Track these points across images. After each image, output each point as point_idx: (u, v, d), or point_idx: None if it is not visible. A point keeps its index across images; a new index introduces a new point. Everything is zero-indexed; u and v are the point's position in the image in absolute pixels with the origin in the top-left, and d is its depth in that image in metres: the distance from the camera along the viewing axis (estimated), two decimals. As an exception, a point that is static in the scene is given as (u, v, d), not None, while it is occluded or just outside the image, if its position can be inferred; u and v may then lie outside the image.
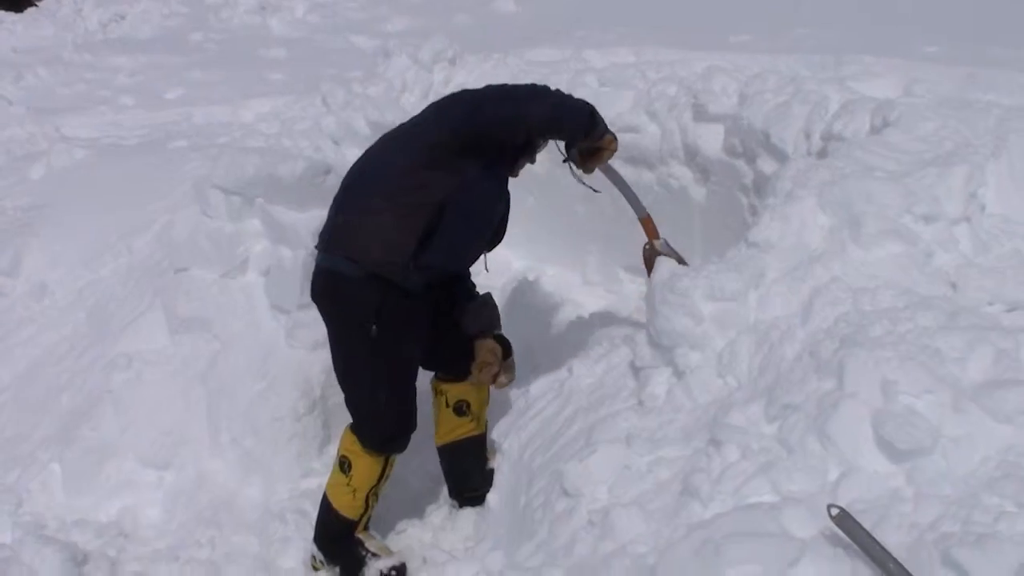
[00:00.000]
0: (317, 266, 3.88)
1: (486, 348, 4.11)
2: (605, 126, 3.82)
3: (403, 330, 3.82)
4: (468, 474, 4.37)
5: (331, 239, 3.79)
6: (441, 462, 4.44)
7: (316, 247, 3.92)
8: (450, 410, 4.26)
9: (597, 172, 4.08)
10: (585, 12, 10.13)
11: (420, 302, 3.82)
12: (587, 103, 3.76)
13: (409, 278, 3.70)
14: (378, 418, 3.94)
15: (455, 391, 4.25)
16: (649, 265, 4.23)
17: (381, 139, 3.95)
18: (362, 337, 3.74)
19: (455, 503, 4.45)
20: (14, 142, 7.74)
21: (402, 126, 3.95)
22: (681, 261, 4.12)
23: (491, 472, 4.18)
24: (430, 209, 3.63)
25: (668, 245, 4.30)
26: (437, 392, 4.31)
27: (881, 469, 2.54)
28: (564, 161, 3.91)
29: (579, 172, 3.98)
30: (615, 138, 3.90)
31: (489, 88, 3.77)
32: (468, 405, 4.27)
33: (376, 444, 3.97)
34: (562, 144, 3.84)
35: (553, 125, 3.69)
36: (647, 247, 4.33)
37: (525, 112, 3.59)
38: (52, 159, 6.92)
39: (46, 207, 6.00)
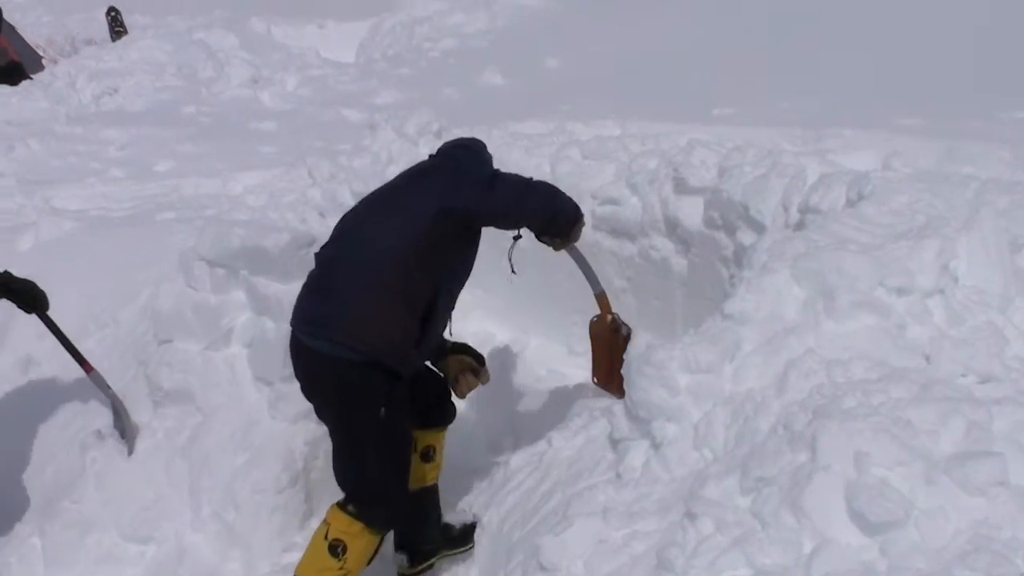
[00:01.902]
0: (307, 348, 3.80)
1: (454, 361, 4.20)
2: (581, 217, 4.03)
3: (406, 408, 3.89)
4: (427, 525, 4.33)
5: (326, 323, 3.73)
6: None
7: (299, 328, 3.84)
8: (418, 456, 4.24)
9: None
10: (573, 85, 10.28)
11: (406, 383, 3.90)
12: (571, 201, 3.95)
13: (413, 363, 3.83)
14: (387, 497, 3.93)
15: (424, 438, 4.25)
16: (595, 338, 4.55)
17: (360, 209, 3.96)
18: (370, 419, 3.76)
19: (404, 560, 4.37)
20: (4, 214, 7.74)
21: (382, 194, 3.94)
22: (629, 333, 4.47)
23: (447, 527, 4.30)
24: (429, 295, 3.74)
25: (619, 320, 4.53)
26: None
27: (854, 542, 2.54)
28: (515, 238, 4.09)
29: (513, 248, 4.17)
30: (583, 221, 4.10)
31: (479, 170, 3.82)
32: (434, 450, 4.30)
33: (384, 523, 3.96)
34: None
35: (547, 227, 3.92)
36: (595, 319, 4.57)
37: (525, 213, 3.81)
38: (41, 231, 6.93)
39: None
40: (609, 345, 4.48)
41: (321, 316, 3.76)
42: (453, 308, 4.03)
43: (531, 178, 3.96)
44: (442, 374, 4.24)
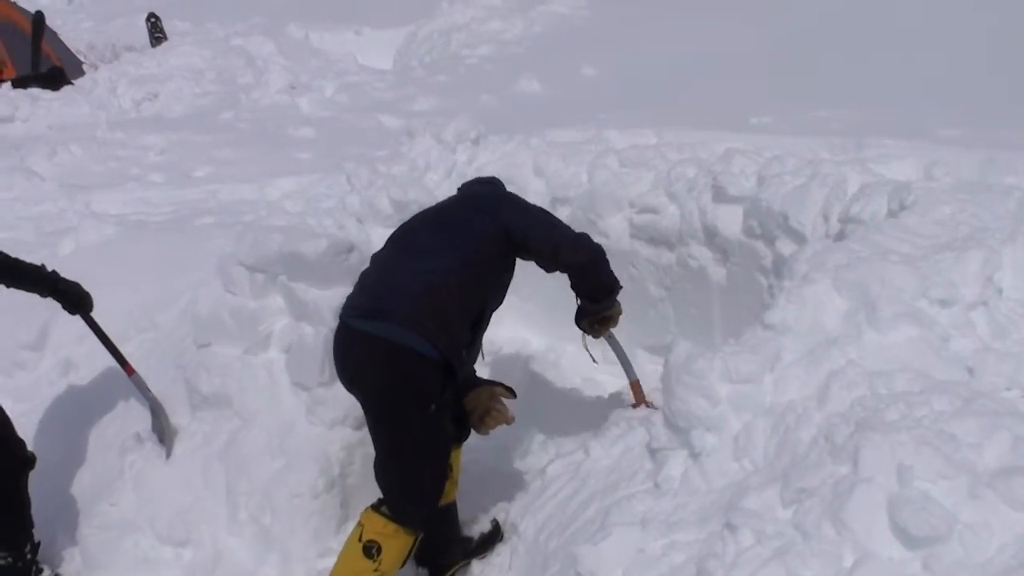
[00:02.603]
0: (363, 335, 3.81)
1: (485, 391, 4.23)
2: (616, 297, 4.23)
3: (449, 409, 3.96)
4: (447, 540, 4.38)
5: (390, 309, 3.75)
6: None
7: (356, 314, 3.87)
8: None
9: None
10: (609, 93, 10.26)
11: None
12: (614, 278, 4.17)
13: (463, 364, 3.90)
14: (426, 495, 3.94)
15: None
16: None
17: (415, 223, 4.16)
18: (419, 415, 3.78)
19: (424, 573, 4.44)
20: (45, 218, 7.84)
21: (436, 211, 4.20)
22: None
23: (467, 540, 4.39)
24: (479, 306, 3.91)
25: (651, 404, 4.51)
26: None
27: (896, 556, 2.52)
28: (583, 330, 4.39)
29: (587, 339, 4.48)
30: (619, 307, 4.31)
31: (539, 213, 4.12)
32: (451, 469, 4.27)
33: (421, 522, 3.96)
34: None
35: (580, 276, 4.09)
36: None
37: (575, 259, 4.02)
38: (81, 235, 7.01)
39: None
40: None
41: (383, 304, 3.79)
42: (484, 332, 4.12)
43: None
44: (469, 407, 4.27)
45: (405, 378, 3.76)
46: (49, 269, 4.78)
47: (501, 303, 4.17)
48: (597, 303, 4.21)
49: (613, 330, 4.44)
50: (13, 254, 4.63)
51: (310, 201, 6.85)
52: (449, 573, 4.43)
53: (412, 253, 3.93)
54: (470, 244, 3.88)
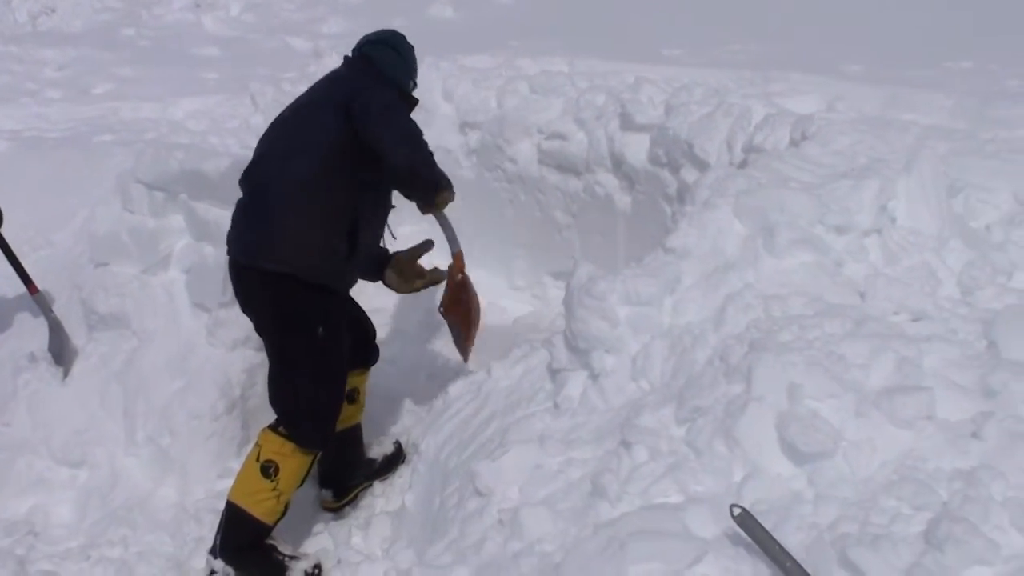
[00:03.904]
0: (245, 270, 3.86)
1: (399, 268, 4.27)
2: (446, 189, 3.90)
3: (341, 329, 3.93)
4: (352, 463, 4.42)
5: (256, 250, 3.80)
6: (326, 452, 4.23)
7: (234, 251, 3.89)
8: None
9: None
10: (522, 22, 10.19)
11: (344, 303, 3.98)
12: (441, 177, 3.84)
13: (346, 282, 3.89)
14: (321, 415, 3.95)
15: (349, 381, 4.24)
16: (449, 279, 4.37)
17: (276, 127, 3.97)
18: (307, 338, 3.81)
19: (329, 495, 4.43)
20: (-66, 132, 7.56)
21: (294, 111, 3.97)
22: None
23: (371, 462, 4.44)
24: (350, 208, 3.77)
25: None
26: None
27: (784, 471, 2.60)
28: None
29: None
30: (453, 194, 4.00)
31: (389, 111, 3.73)
32: (358, 393, 4.35)
33: (318, 442, 3.97)
34: None
35: (415, 185, 3.81)
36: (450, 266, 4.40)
37: (396, 161, 3.66)
38: (-29, 150, 6.78)
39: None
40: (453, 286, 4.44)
41: (253, 238, 3.82)
42: (385, 218, 4.06)
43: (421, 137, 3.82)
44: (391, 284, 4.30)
45: (284, 305, 3.82)
46: None
47: (388, 203, 4.01)
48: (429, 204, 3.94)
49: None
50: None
51: (214, 121, 6.73)
52: (352, 494, 4.45)
53: (270, 166, 3.85)
54: (321, 148, 3.73)
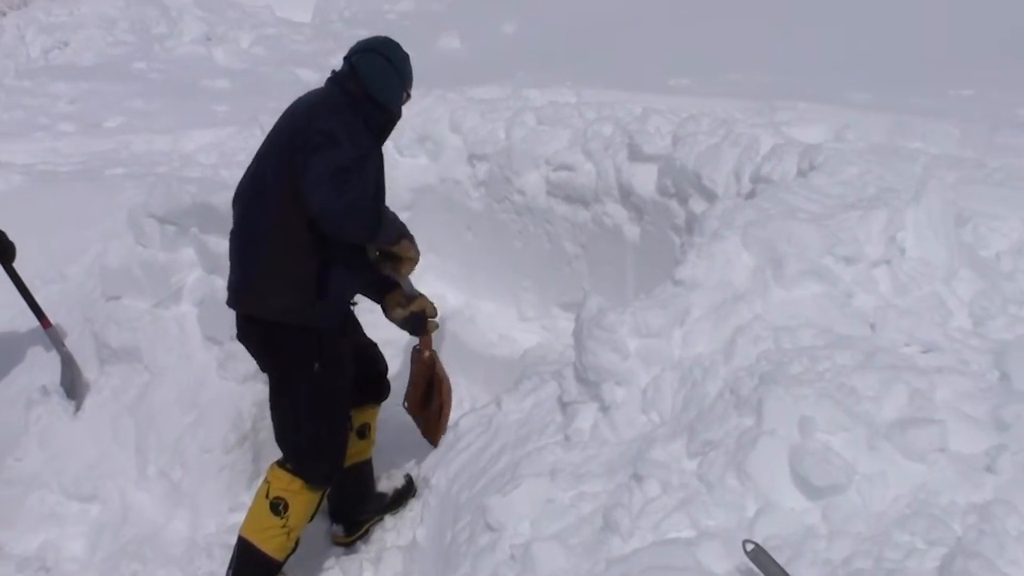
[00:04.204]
0: (237, 314, 3.96)
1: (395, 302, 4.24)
2: (397, 234, 3.88)
3: (341, 364, 3.93)
4: (363, 498, 4.41)
5: (239, 297, 3.89)
6: (335, 486, 4.23)
7: (228, 303, 3.96)
8: (354, 434, 4.27)
9: None
10: (529, 52, 10.25)
11: (344, 338, 3.95)
12: (377, 219, 3.73)
13: (324, 319, 3.81)
14: (324, 453, 3.96)
15: (360, 416, 4.29)
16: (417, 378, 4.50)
17: (249, 171, 3.92)
18: (305, 375, 3.82)
19: (340, 529, 4.43)
20: (-51, 166, 7.62)
21: (260, 154, 3.91)
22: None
23: (381, 496, 4.44)
24: (315, 246, 3.69)
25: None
26: None
27: (797, 506, 2.58)
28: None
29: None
30: (412, 245, 3.98)
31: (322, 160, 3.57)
32: (369, 428, 4.36)
33: (322, 480, 3.98)
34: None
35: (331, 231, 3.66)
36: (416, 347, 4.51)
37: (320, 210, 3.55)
38: (-14, 184, 6.83)
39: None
40: (420, 371, 4.49)
41: (235, 285, 3.90)
42: (362, 253, 3.93)
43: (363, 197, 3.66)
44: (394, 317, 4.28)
45: (277, 348, 3.89)
46: None
47: (362, 242, 3.87)
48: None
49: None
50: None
51: (225, 153, 6.77)
52: (363, 529, 4.44)
53: (241, 217, 3.88)
54: (276, 190, 3.68)
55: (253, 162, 3.92)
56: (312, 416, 3.89)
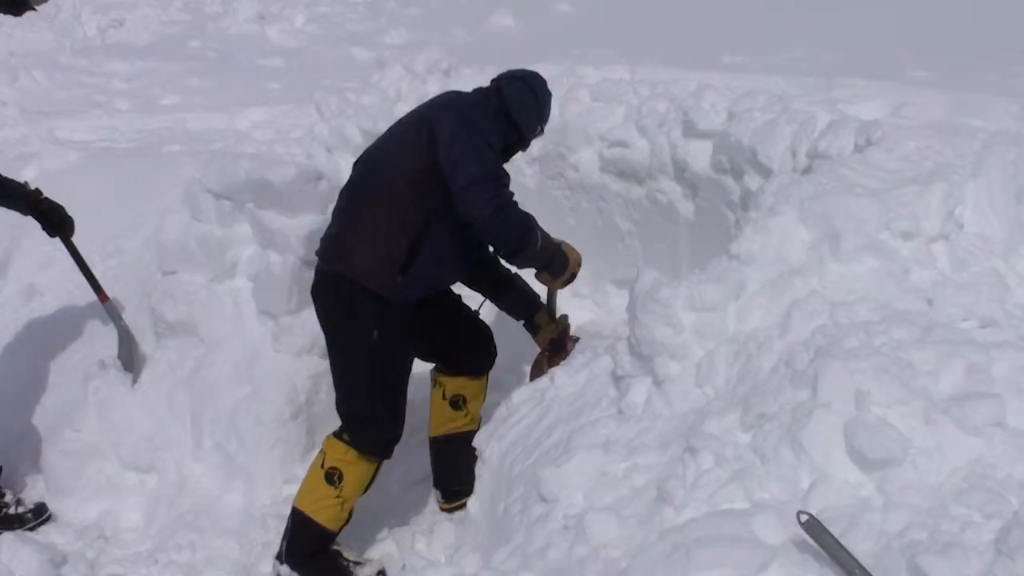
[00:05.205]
0: (317, 269, 4.01)
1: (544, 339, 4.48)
2: (560, 263, 4.15)
3: (402, 337, 3.96)
4: (456, 468, 4.41)
5: (327, 248, 3.94)
6: (431, 453, 4.52)
7: (316, 253, 4.03)
8: (446, 403, 4.38)
9: None
10: (584, 30, 10.22)
11: (417, 314, 3.98)
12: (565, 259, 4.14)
13: (399, 293, 3.84)
14: (376, 423, 3.99)
15: (453, 385, 4.37)
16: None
17: (382, 136, 4.09)
18: (362, 341, 3.86)
19: (439, 495, 4.52)
20: (7, 143, 7.74)
21: (405, 120, 4.07)
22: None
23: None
24: (420, 220, 3.80)
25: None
26: (436, 383, 4.45)
27: (852, 478, 2.57)
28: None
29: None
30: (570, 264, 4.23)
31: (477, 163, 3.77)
32: (464, 400, 4.40)
33: (377, 449, 4.02)
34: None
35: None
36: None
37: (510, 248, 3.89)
38: (44, 161, 6.93)
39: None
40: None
41: (328, 238, 3.97)
42: (468, 245, 4.02)
43: (533, 224, 3.94)
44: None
45: (341, 309, 3.91)
46: (32, 187, 4.74)
47: (465, 225, 3.90)
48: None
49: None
50: (-24, 178, 4.57)
51: (279, 131, 6.82)
52: (460, 502, 4.35)
53: (360, 176, 3.99)
54: (405, 158, 3.84)
55: (385, 134, 4.09)
56: (367, 384, 3.93)
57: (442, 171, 3.73)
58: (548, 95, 4.21)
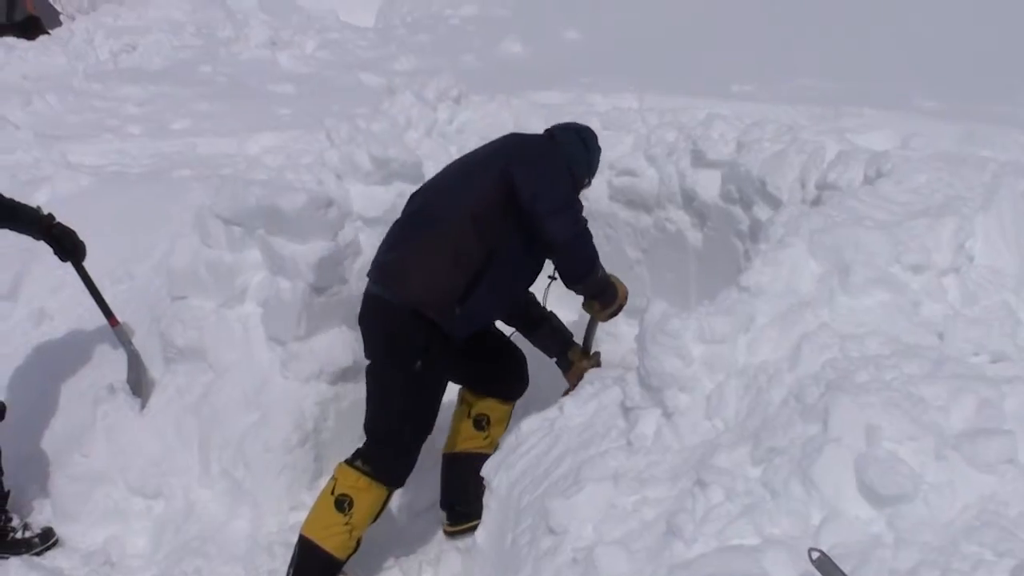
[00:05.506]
0: (370, 295, 4.05)
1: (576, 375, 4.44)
2: (611, 294, 4.25)
3: (445, 371, 4.05)
4: (466, 489, 4.39)
5: (383, 272, 3.98)
6: (443, 471, 4.54)
7: (368, 275, 4.09)
8: (470, 421, 4.44)
9: None
10: (592, 57, 10.25)
11: (461, 353, 4.07)
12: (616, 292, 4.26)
13: (455, 325, 3.92)
14: (397, 449, 4.01)
15: (481, 405, 4.44)
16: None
17: (443, 176, 4.19)
18: (404, 369, 3.91)
19: (444, 518, 4.52)
20: (19, 167, 7.76)
21: (473, 154, 4.22)
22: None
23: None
24: (480, 257, 3.89)
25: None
26: (463, 401, 4.51)
27: (863, 514, 2.55)
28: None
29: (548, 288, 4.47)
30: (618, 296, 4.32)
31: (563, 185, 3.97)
32: (488, 421, 4.45)
33: (393, 477, 4.05)
34: None
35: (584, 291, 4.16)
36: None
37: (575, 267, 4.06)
38: (56, 185, 6.95)
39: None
40: None
41: (384, 264, 4.01)
42: (519, 287, 4.18)
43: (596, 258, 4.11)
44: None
45: (390, 334, 3.96)
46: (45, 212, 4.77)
47: (528, 265, 4.14)
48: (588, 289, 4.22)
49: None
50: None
51: (290, 156, 6.83)
52: (467, 525, 4.36)
53: (423, 204, 4.06)
54: (472, 194, 3.92)
55: (446, 170, 4.24)
56: (399, 411, 3.98)
57: (521, 200, 3.83)
58: (598, 150, 4.35)
